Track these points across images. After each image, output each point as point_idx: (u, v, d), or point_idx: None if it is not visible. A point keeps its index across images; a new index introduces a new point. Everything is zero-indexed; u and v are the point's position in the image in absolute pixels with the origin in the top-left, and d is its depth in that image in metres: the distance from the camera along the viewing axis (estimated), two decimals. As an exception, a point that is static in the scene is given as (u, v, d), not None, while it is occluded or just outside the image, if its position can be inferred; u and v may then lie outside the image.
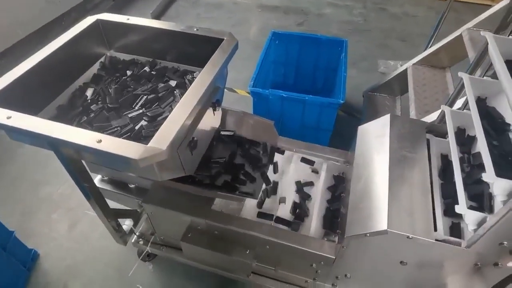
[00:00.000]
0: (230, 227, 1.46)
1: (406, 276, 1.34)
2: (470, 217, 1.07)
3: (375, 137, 1.43)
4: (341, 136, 2.50)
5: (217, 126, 1.68)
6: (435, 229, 1.16)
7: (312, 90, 3.01)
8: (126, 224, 1.80)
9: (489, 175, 0.96)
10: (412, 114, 2.10)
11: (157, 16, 4.39)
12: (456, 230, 1.17)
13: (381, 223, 1.16)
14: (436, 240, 1.11)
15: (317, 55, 2.84)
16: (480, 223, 1.06)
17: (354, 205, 1.34)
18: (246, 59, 3.36)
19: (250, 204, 1.65)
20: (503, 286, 1.13)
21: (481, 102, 1.30)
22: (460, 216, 1.13)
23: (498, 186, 0.96)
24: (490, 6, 2.12)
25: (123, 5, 4.65)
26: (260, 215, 1.59)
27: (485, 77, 1.51)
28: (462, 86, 1.54)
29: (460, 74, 1.38)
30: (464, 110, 1.43)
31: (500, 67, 1.12)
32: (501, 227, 1.00)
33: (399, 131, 1.41)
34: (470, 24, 2.18)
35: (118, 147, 0.98)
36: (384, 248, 1.23)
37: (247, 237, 1.46)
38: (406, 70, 2.51)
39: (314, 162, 1.79)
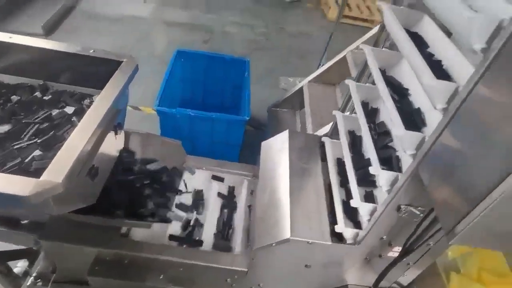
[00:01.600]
0: (139, 254, 1.42)
1: (312, 278, 1.47)
2: (383, 177, 1.18)
3: (276, 152, 1.55)
4: (251, 149, 2.62)
5: (119, 150, 1.63)
6: (336, 223, 1.29)
7: (221, 106, 3.09)
8: (19, 266, 1.61)
9: (399, 130, 1.07)
10: (309, 127, 2.31)
11: (50, 30, 4.04)
12: (370, 197, 1.32)
13: (285, 232, 1.26)
14: (336, 233, 1.25)
15: (223, 73, 2.94)
16: (392, 183, 1.18)
17: (261, 217, 1.43)
18: (153, 75, 3.30)
19: (161, 229, 1.63)
20: (386, 272, 1.32)
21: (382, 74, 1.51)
22: (372, 185, 1.27)
23: (406, 139, 1.07)
24: (371, 28, 2.48)
25: (9, 15, 4.16)
26: (172, 238, 1.58)
27: (367, 84, 1.74)
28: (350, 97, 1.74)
29: (347, 81, 1.57)
30: (367, 84, 1.61)
31: (375, 72, 1.32)
32: (380, 224, 1.18)
33: (296, 146, 1.56)
34: (352, 47, 2.51)
35: (2, 184, 0.89)
36: (290, 255, 1.33)
37: (158, 262, 1.44)
38: (302, 87, 2.75)
39: (223, 178, 1.84)
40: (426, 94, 1.01)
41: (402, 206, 1.10)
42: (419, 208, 1.10)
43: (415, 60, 1.10)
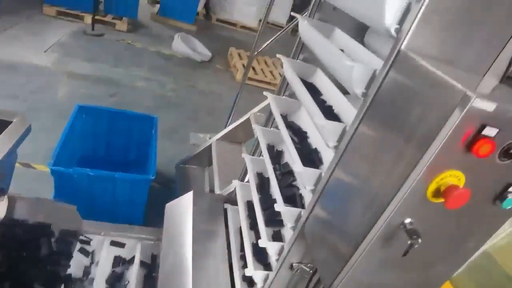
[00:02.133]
0: None
1: None
2: (286, 214, 1.24)
3: (180, 215, 1.55)
4: (157, 208, 2.52)
5: (1, 218, 1.44)
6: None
7: (125, 162, 2.98)
8: None
9: (298, 167, 1.16)
10: (216, 185, 2.36)
11: None
12: (277, 236, 1.37)
13: (187, 300, 1.23)
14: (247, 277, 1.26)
15: (128, 129, 2.88)
16: (296, 219, 1.24)
17: (164, 284, 1.37)
18: (50, 130, 3.05)
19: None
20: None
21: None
22: (280, 224, 1.30)
23: (305, 176, 1.16)
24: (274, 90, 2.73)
25: None
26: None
27: (272, 128, 1.89)
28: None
29: (254, 125, 1.70)
30: (272, 128, 1.74)
31: (278, 118, 1.47)
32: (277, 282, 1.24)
33: (201, 208, 1.58)
34: (255, 110, 2.72)
35: None
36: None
37: None
38: (211, 144, 2.84)
39: (125, 244, 1.74)
40: (320, 134, 1.17)
41: (294, 264, 1.19)
42: (309, 265, 1.19)
43: (310, 105, 1.27)
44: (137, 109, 3.99)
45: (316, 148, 1.40)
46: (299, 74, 1.56)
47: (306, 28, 1.48)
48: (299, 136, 1.50)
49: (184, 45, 5.71)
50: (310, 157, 1.34)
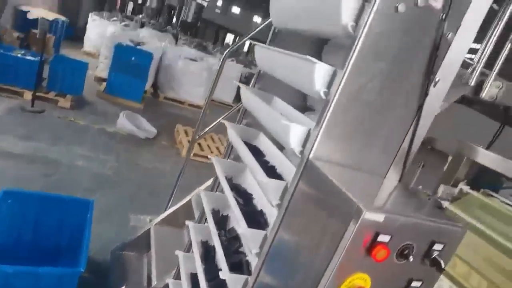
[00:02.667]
0: None
1: None
2: (232, 282, 1.16)
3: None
4: (85, 304, 2.30)
5: None
6: None
7: (57, 248, 2.74)
8: None
9: (243, 229, 1.12)
10: (154, 273, 2.24)
11: None
12: None
13: None
14: None
15: (60, 214, 2.70)
16: (243, 287, 1.16)
17: None
18: (-34, 218, 2.76)
19: None
20: None
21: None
22: None
23: (250, 237, 1.11)
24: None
25: None
26: None
27: (217, 192, 1.88)
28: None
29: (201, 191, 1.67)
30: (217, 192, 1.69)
31: (222, 181, 1.48)
32: None
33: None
34: (201, 187, 2.73)
35: None
36: None
37: None
38: (150, 228, 2.74)
39: None
40: (263, 193, 1.18)
41: None
42: None
43: (253, 165, 1.31)
44: (75, 190, 3.80)
45: (261, 210, 1.42)
46: (243, 137, 1.65)
47: (248, 95, 1.60)
48: (245, 198, 1.52)
49: (129, 122, 5.74)
50: (256, 219, 1.34)
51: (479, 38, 2.56)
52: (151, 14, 21.59)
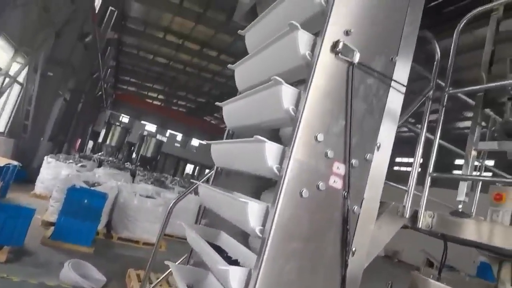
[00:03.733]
0: None
1: None
2: None
3: None
4: None
5: None
6: None
7: None
8: None
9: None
10: None
11: None
12: None
13: None
14: None
15: None
16: None
17: None
18: None
19: None
20: None
21: None
22: None
23: None
24: None
25: None
26: None
27: None
28: None
29: None
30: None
31: None
32: None
33: None
34: None
35: None
36: None
37: None
38: None
39: None
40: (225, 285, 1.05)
41: None
42: None
43: (214, 259, 1.17)
44: None
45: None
46: (205, 237, 1.63)
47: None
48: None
49: (74, 272, 5.21)
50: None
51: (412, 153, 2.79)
52: (110, 152, 22.15)
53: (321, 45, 1.23)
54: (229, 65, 2.36)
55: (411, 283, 2.63)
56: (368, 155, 1.28)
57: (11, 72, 10.84)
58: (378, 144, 1.34)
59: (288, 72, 1.50)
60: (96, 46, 15.98)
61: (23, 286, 4.89)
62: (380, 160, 1.32)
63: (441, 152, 2.64)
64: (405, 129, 2.88)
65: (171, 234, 8.60)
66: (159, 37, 21.11)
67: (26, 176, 11.65)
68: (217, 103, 2.35)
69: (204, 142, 2.29)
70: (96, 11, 15.28)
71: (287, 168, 0.96)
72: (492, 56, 2.68)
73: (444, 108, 2.59)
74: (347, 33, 1.28)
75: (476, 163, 2.94)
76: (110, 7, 16.62)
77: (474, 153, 2.61)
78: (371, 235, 1.10)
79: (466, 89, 2.45)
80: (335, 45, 1.26)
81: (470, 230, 2.28)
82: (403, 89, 1.47)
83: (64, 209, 6.90)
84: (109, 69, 25.19)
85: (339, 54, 1.26)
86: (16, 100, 13.24)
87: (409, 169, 2.66)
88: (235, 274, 1.16)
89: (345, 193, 0.98)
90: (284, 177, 0.94)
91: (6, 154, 11.88)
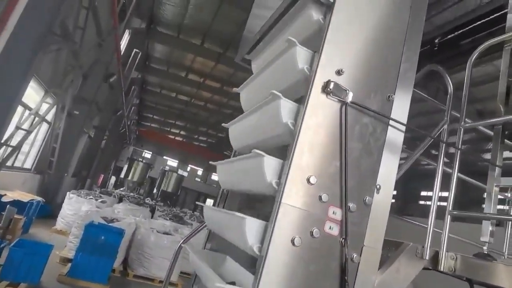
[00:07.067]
0: None
1: None
2: None
3: None
4: None
5: None
6: None
7: None
8: None
9: None
10: None
11: None
12: None
13: None
14: None
15: None
16: None
17: None
18: None
19: None
20: None
21: None
22: None
23: None
24: None
25: None
26: None
27: None
28: None
29: None
30: None
31: None
32: None
33: None
34: None
35: None
36: None
37: None
38: None
39: None
40: None
41: None
42: None
43: (210, 278, 1.10)
44: None
45: None
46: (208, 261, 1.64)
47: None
48: None
49: (87, 312, 5.11)
50: None
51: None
52: (132, 187, 22.45)
53: (312, 85, 1.21)
54: (234, 89, 2.43)
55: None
56: (367, 198, 1.20)
57: (40, 112, 11.40)
58: (378, 186, 1.25)
59: (288, 89, 1.49)
60: (121, 85, 16.71)
61: (35, 326, 4.82)
62: (381, 202, 1.23)
63: (466, 185, 2.50)
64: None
65: (188, 272, 8.40)
66: (181, 76, 21.94)
67: (50, 211, 11.89)
68: (223, 124, 2.36)
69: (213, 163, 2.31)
70: (122, 53, 16.14)
71: (276, 214, 0.89)
72: (509, 87, 2.59)
73: (461, 141, 2.48)
74: (338, 72, 1.26)
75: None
76: (135, 49, 17.54)
77: (496, 189, 2.45)
78: (374, 285, 1.00)
79: (482, 122, 2.35)
80: (326, 85, 1.23)
81: (499, 275, 2.09)
82: (403, 128, 1.40)
83: (81, 245, 6.91)
84: (133, 107, 26.15)
85: (331, 94, 1.22)
86: (44, 138, 13.84)
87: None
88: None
89: (343, 240, 0.90)
90: (274, 224, 0.87)
91: (31, 190, 12.24)
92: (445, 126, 2.46)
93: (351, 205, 1.11)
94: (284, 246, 0.87)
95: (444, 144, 2.44)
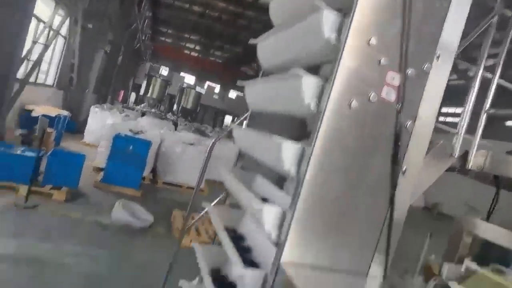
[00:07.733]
0: None
1: None
2: None
3: None
4: None
5: None
6: None
7: None
8: None
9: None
10: None
11: None
12: None
13: None
14: None
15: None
16: None
17: None
18: None
19: None
20: None
21: None
22: None
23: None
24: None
25: None
26: None
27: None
28: None
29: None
30: None
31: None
32: None
33: None
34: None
35: None
36: None
37: None
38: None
39: None
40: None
41: None
42: None
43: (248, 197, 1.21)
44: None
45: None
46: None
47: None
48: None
49: (124, 212, 5.61)
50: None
51: (460, 102, 2.57)
52: (152, 104, 22.75)
53: None
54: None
55: (455, 225, 2.52)
56: (426, 65, 1.11)
57: (54, 26, 11.11)
58: (437, 54, 1.15)
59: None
60: (132, -4, 15.85)
61: (80, 223, 5.37)
62: (439, 72, 1.14)
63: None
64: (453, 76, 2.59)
65: (213, 180, 8.88)
66: (194, -16, 20.46)
67: (75, 127, 12.38)
68: (251, 40, 2.24)
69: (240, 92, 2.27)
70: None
71: (335, 76, 0.86)
72: None
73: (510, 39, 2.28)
74: None
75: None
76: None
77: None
78: (423, 155, 1.00)
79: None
80: None
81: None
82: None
83: (111, 155, 7.32)
84: (146, 20, 25.13)
85: None
86: (61, 54, 13.74)
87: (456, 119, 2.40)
88: (270, 210, 1.16)
89: (399, 107, 0.88)
90: (332, 85, 0.84)
91: (57, 105, 12.61)
92: (495, 19, 2.26)
93: (409, 71, 1.05)
94: (341, 108, 0.86)
95: (490, 41, 2.28)
